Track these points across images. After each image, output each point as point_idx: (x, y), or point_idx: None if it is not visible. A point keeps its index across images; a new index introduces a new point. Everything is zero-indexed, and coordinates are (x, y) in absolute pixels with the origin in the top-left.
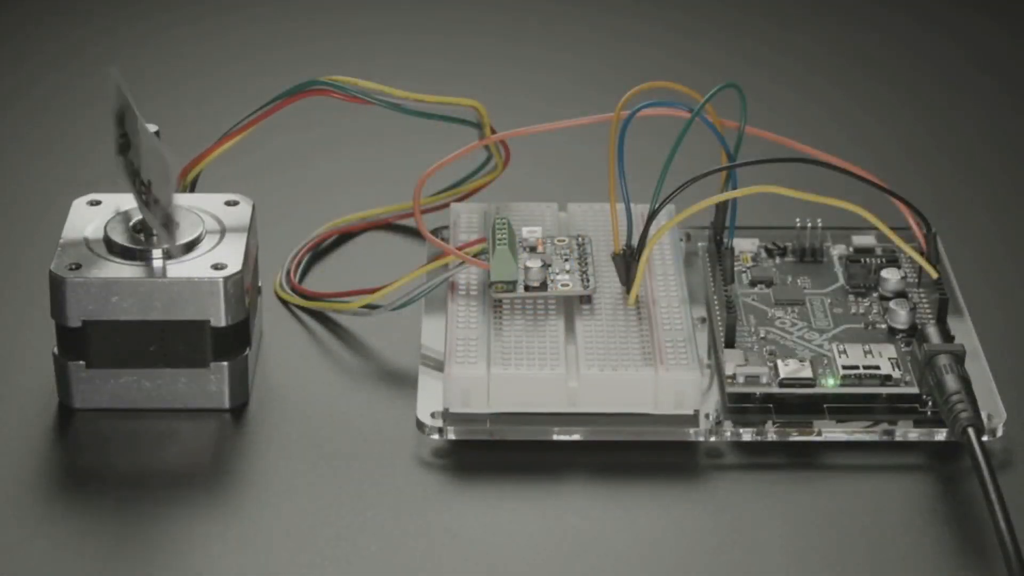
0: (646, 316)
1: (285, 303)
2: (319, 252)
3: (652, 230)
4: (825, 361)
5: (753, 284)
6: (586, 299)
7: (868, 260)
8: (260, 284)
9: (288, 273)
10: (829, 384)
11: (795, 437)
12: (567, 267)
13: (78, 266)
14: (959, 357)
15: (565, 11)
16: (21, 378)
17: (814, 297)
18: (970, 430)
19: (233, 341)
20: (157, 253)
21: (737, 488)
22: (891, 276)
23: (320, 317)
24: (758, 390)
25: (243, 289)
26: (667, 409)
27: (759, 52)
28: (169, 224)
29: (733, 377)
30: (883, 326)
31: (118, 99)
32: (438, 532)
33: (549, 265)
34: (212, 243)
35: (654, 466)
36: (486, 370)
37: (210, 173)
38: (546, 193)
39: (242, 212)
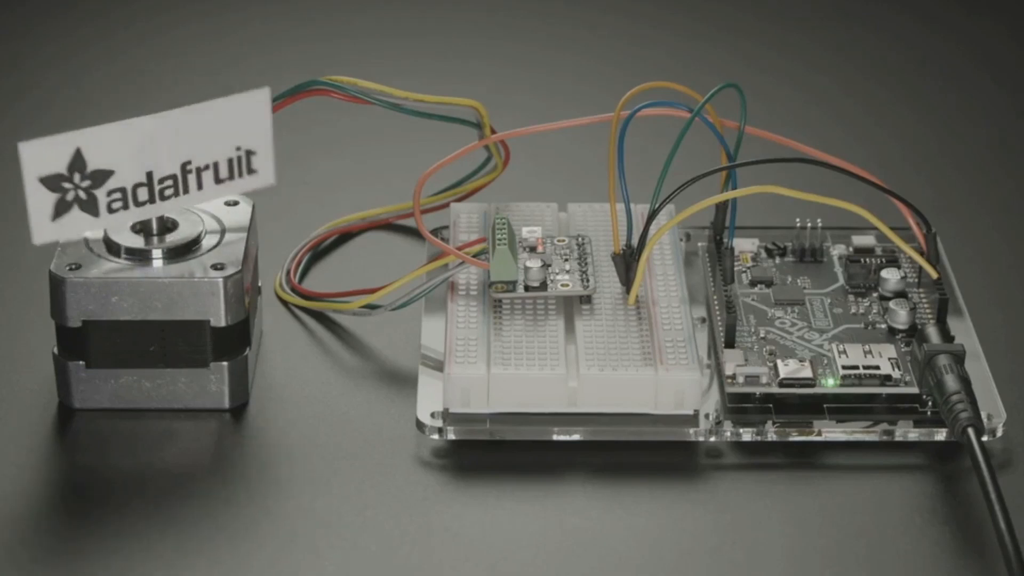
0: (646, 316)
1: (285, 303)
2: (319, 252)
3: (652, 230)
4: (825, 361)
5: (753, 284)
6: (586, 299)
7: (868, 260)
8: (260, 284)
9: (288, 273)
10: (829, 384)
11: (795, 437)
12: (567, 267)
13: (78, 266)
14: (959, 357)
15: (565, 11)
16: (21, 378)
17: (814, 297)
18: (970, 430)
19: (233, 341)
20: (157, 253)
21: (737, 488)
22: (891, 276)
23: (320, 317)
24: (758, 390)
25: (243, 289)
26: (667, 409)
27: (759, 52)
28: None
29: (733, 377)
30: (883, 326)
31: None
32: (438, 532)
33: (549, 265)
34: (212, 243)
35: (654, 466)
36: (486, 370)
37: None
38: (546, 193)
39: (242, 212)
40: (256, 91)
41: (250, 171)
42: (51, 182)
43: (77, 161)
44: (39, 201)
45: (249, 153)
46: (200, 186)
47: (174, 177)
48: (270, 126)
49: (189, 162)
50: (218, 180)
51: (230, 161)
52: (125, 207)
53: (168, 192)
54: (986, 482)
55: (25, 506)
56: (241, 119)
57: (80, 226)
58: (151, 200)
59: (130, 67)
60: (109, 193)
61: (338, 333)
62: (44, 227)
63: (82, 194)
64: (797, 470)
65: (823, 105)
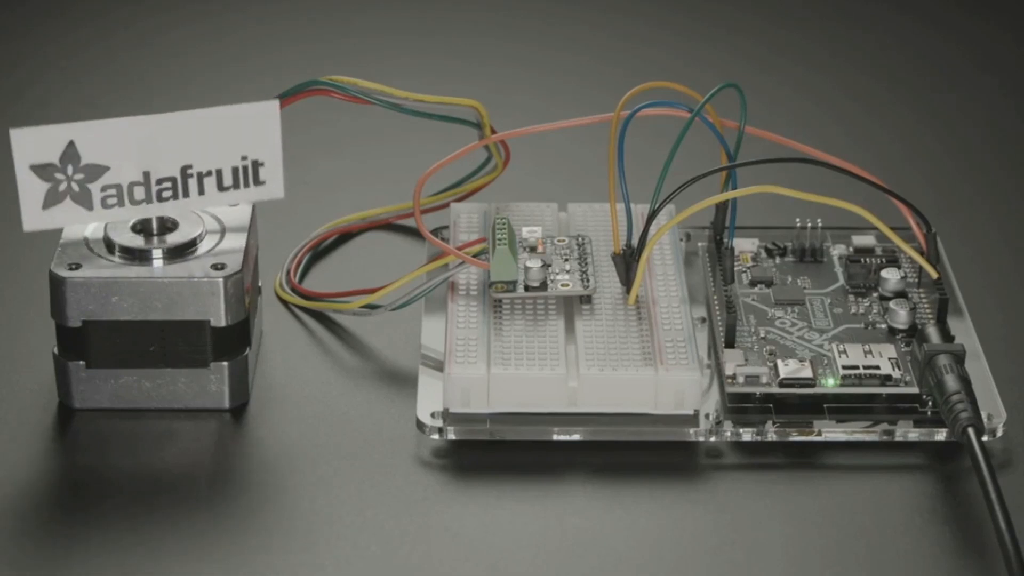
0: (646, 316)
1: (285, 303)
2: (319, 252)
3: (652, 230)
4: (825, 361)
5: (753, 284)
6: (586, 299)
7: (868, 260)
8: (260, 284)
9: (288, 273)
10: (829, 384)
11: (795, 437)
12: (567, 267)
13: (78, 266)
14: (959, 357)
15: (565, 11)
16: (21, 378)
17: (814, 297)
18: (970, 430)
19: (233, 341)
20: (157, 253)
21: (737, 488)
22: (891, 276)
23: (320, 317)
24: (758, 390)
25: (243, 289)
26: (667, 409)
27: (759, 52)
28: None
29: (733, 377)
30: (883, 326)
31: None
32: (438, 532)
33: (549, 265)
34: (212, 243)
35: (654, 466)
36: (486, 370)
37: None
38: (546, 193)
39: (242, 212)
40: (265, 103)
41: (257, 182)
42: (42, 171)
43: (70, 153)
44: (30, 188)
45: (256, 164)
46: (202, 191)
47: (173, 180)
48: (279, 139)
49: (190, 166)
50: (221, 187)
51: (235, 170)
52: (120, 204)
53: (166, 194)
54: (986, 482)
55: (25, 506)
56: (248, 129)
57: (72, 217)
58: (148, 200)
59: (130, 67)
60: (103, 188)
61: (338, 333)
62: (35, 215)
63: (75, 186)
64: (797, 470)
65: (823, 105)
